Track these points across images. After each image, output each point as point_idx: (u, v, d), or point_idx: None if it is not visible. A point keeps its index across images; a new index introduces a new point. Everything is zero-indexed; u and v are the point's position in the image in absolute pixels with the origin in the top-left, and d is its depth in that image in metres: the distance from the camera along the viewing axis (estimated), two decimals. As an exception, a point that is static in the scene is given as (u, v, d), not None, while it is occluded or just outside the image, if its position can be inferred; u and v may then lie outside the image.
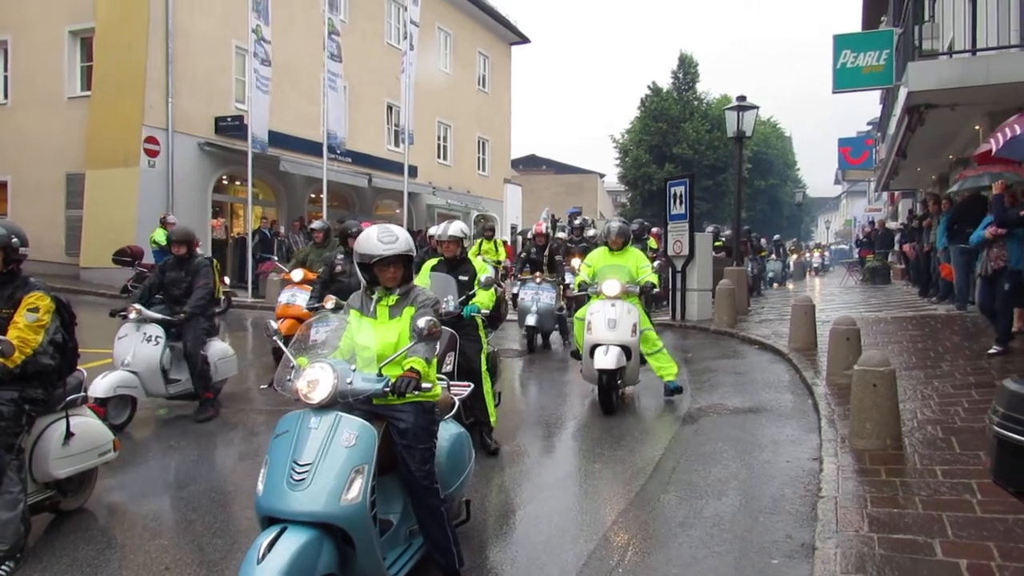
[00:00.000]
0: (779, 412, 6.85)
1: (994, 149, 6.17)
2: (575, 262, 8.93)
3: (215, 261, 7.24)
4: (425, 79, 24.09)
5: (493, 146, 30.78)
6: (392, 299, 3.62)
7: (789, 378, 8.25)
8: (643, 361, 7.21)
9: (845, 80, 12.19)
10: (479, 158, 30.15)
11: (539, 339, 10.66)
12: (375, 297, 3.64)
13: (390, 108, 23.75)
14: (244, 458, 5.84)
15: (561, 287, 11.05)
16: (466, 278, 5.73)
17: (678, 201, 13.02)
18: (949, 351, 8.26)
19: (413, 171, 22.42)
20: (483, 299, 5.62)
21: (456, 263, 5.83)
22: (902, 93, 10.64)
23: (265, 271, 15.51)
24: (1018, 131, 6.12)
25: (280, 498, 2.97)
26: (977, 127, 11.62)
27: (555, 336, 11.21)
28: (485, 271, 5.79)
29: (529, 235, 13.16)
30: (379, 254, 3.48)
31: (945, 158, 15.12)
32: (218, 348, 7.16)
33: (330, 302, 6.94)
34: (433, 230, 7.74)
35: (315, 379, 3.18)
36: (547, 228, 11.50)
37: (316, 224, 9.83)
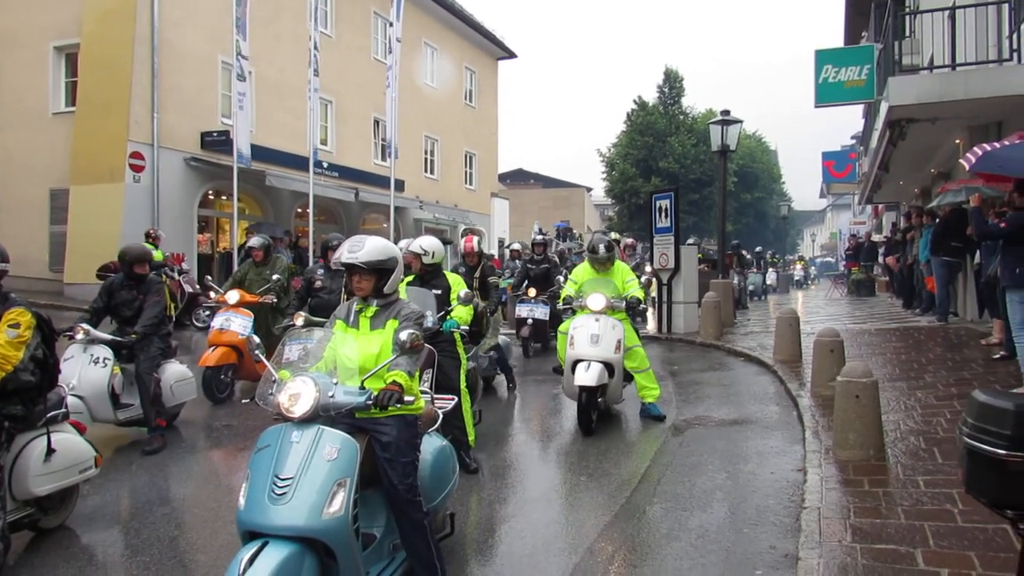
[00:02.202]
0: (764, 424, 6.87)
1: (967, 167, 6.26)
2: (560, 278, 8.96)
3: (166, 278, 7.03)
4: (412, 94, 24.19)
5: (480, 160, 30.86)
6: (371, 310, 3.62)
7: (774, 390, 8.28)
8: (628, 379, 7.16)
9: (827, 95, 12.32)
10: (466, 172, 30.21)
11: (532, 345, 11.07)
12: (355, 308, 3.65)
13: (377, 122, 23.78)
14: (226, 473, 5.80)
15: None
16: (439, 292, 5.69)
17: (664, 214, 13.09)
18: (932, 362, 8.32)
19: (400, 185, 22.44)
20: (461, 315, 5.59)
21: (430, 278, 5.78)
22: (883, 107, 10.76)
23: None
24: (988, 148, 6.21)
25: (261, 512, 2.96)
26: (958, 141, 11.77)
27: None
28: (461, 286, 5.77)
29: (512, 247, 13.16)
30: (344, 261, 3.53)
31: (927, 172, 15.29)
32: (174, 371, 6.73)
33: (299, 318, 6.75)
34: (403, 244, 7.60)
35: (296, 392, 3.17)
36: (541, 239, 11.83)
37: (254, 241, 8.84)
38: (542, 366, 10.10)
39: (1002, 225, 6.41)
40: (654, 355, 10.57)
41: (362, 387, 3.34)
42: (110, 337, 6.30)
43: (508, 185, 45.87)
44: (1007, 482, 2.42)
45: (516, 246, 13.18)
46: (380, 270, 3.58)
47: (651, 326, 13.62)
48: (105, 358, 6.16)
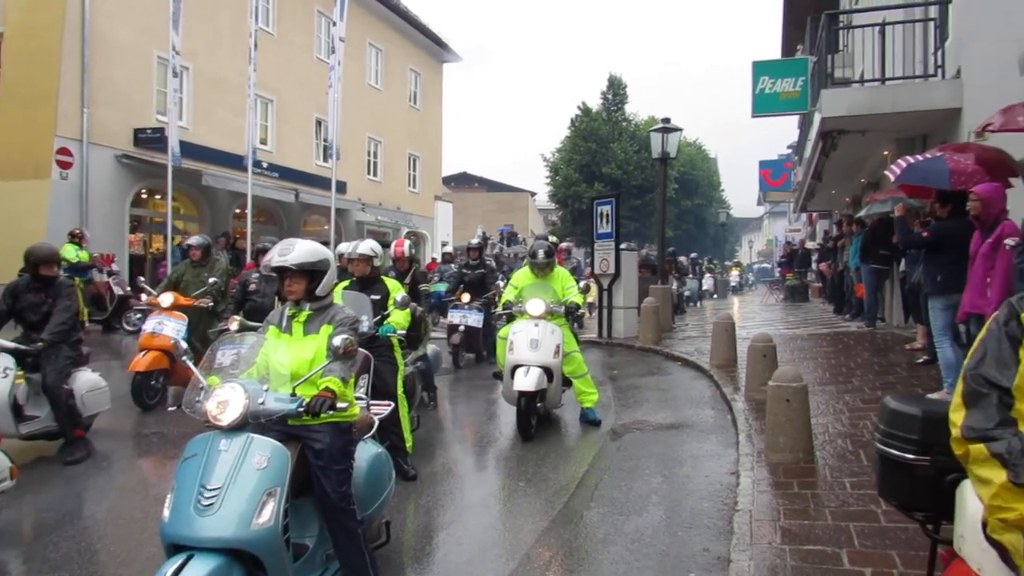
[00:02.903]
0: (700, 427, 6.99)
1: (892, 178, 6.49)
2: (500, 283, 8.92)
3: (77, 281, 6.70)
4: (355, 94, 23.93)
5: (424, 163, 30.73)
6: (304, 315, 3.57)
7: (710, 394, 8.43)
8: (567, 384, 7.19)
9: (763, 105, 12.63)
10: (410, 175, 30.04)
11: (463, 355, 10.66)
12: (288, 313, 3.58)
13: (319, 123, 23.46)
14: (155, 483, 5.63)
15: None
16: (379, 297, 5.64)
17: (605, 220, 13.23)
18: (860, 367, 8.59)
19: (342, 187, 22.17)
20: (398, 319, 5.55)
21: (368, 282, 5.75)
22: (816, 119, 11.09)
23: None
24: (911, 160, 6.45)
25: (187, 524, 2.87)
26: (886, 152, 12.20)
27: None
28: (399, 291, 5.73)
29: (445, 250, 13.05)
30: (275, 264, 3.49)
31: (857, 182, 15.82)
32: (86, 379, 6.28)
33: (234, 323, 6.57)
34: (343, 247, 7.44)
35: (225, 400, 3.10)
36: (477, 243, 11.36)
37: (193, 240, 8.56)
38: (474, 377, 9.90)
39: (924, 235, 6.66)
40: (594, 360, 10.67)
41: (294, 394, 3.28)
42: (13, 345, 5.86)
43: (452, 188, 45.70)
44: (915, 485, 2.51)
45: (450, 249, 13.06)
46: (312, 272, 3.53)
47: (592, 331, 13.73)
48: (7, 367, 5.74)
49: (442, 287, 11.89)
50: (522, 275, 7.37)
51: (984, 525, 1.92)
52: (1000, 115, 5.75)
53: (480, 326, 10.38)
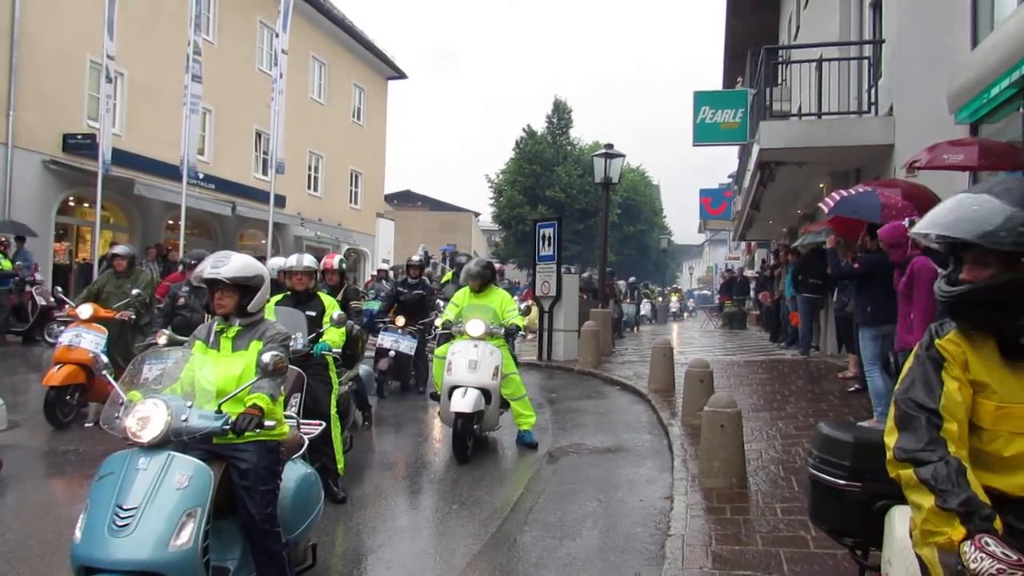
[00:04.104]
0: (637, 452, 7.05)
1: (826, 210, 6.72)
2: (440, 302, 8.67)
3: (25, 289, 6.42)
4: (297, 108, 23.67)
5: (366, 179, 30.53)
6: (233, 330, 3.49)
7: (648, 418, 8.52)
8: (505, 406, 7.17)
9: (704, 135, 12.95)
10: (351, 191, 29.79)
11: (390, 383, 9.90)
12: (216, 328, 3.50)
13: (259, 135, 23.13)
14: (68, 503, 5.39)
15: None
16: (314, 314, 5.57)
17: (547, 243, 13.33)
18: (794, 394, 8.80)
19: (281, 201, 21.86)
20: (333, 337, 5.48)
21: (304, 298, 5.68)
22: (755, 149, 11.41)
23: None
24: (844, 193, 6.69)
25: (100, 546, 2.76)
26: (821, 185, 12.61)
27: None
28: (335, 308, 5.67)
29: (380, 266, 12.62)
30: (207, 276, 3.42)
31: (794, 212, 16.28)
32: None
33: (162, 337, 6.38)
34: (277, 261, 7.28)
35: (146, 416, 3.00)
36: (418, 259, 10.63)
37: (118, 249, 8.22)
38: (405, 401, 9.54)
39: (856, 266, 6.89)
40: (533, 382, 10.68)
41: (219, 411, 3.20)
42: None
43: (395, 206, 45.45)
44: (846, 511, 2.57)
45: (383, 265, 12.64)
46: (245, 287, 3.46)
47: (531, 352, 13.76)
48: None
49: (374, 305, 11.58)
50: (463, 294, 7.37)
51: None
52: (926, 152, 6.01)
53: (412, 353, 9.74)
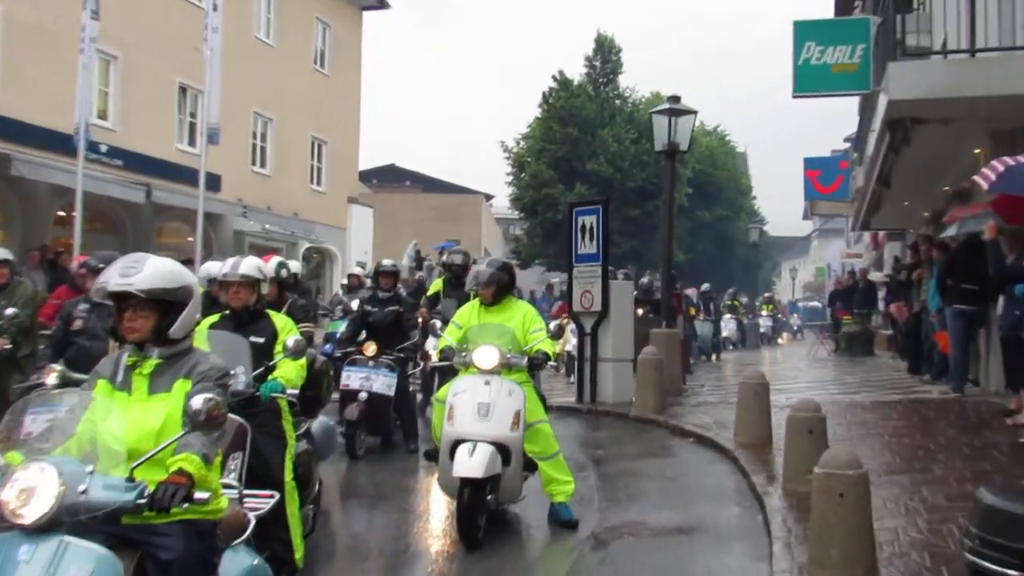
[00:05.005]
0: (719, 532, 7.01)
1: (985, 186, 6.65)
2: (439, 323, 8.45)
3: None
4: (238, 52, 23.82)
5: (334, 151, 30.72)
6: (150, 365, 3.52)
7: (734, 485, 8.47)
8: (530, 468, 7.13)
9: (808, 81, 12.86)
10: (313, 167, 30.00)
11: (364, 439, 9.90)
12: (127, 362, 3.52)
13: (183, 90, 23.38)
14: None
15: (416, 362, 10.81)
16: (262, 340, 5.59)
17: (589, 236, 13.31)
18: (943, 448, 8.71)
19: (215, 182, 22.01)
20: (289, 373, 5.48)
21: (248, 318, 5.71)
22: (882, 102, 11.31)
23: None
24: (1011, 163, 6.61)
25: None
26: (977, 151, 12.48)
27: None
28: (292, 331, 5.68)
29: (351, 271, 12.41)
30: (113, 289, 3.44)
31: (939, 190, 16.15)
32: None
33: (52, 375, 6.38)
34: (210, 267, 7.29)
35: (30, 486, 3.02)
36: (390, 266, 10.56)
37: None
38: (381, 474, 9.35)
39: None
40: (570, 434, 10.65)
41: (132, 479, 3.21)
42: None
43: (374, 187, 45.83)
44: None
45: (357, 270, 12.55)
46: (165, 304, 3.49)
47: (565, 392, 13.73)
48: None
49: (338, 326, 11.54)
50: (468, 310, 7.36)
51: None
52: None
53: (391, 393, 9.75)
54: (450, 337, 7.25)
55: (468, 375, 6.90)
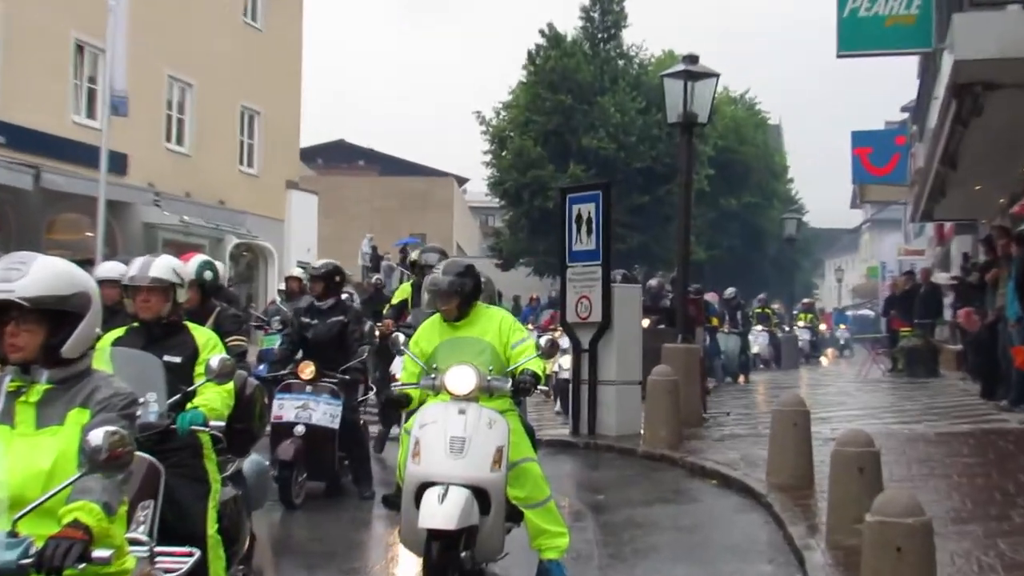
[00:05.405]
0: (748, 596, 7.04)
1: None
2: (402, 338, 8.24)
3: None
4: (148, 1, 23.80)
5: (269, 124, 30.67)
6: (37, 391, 3.50)
7: (767, 537, 8.50)
8: (514, 518, 7.13)
9: (856, 37, 12.89)
10: (244, 144, 29.95)
11: (303, 482, 9.76)
12: (8, 388, 3.51)
13: (80, 49, 23.31)
14: None
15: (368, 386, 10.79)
16: (179, 360, 5.58)
17: (586, 228, 13.30)
18: (1024, 490, 8.78)
19: (120, 163, 21.95)
20: (213, 400, 5.44)
21: (161, 332, 5.68)
22: (946, 62, 11.37)
23: None
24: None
25: None
26: (1065, 121, 12.58)
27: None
28: (217, 349, 5.66)
29: (291, 272, 12.31)
30: None
31: (1019, 171, 16.23)
32: None
33: None
34: (110, 268, 7.24)
35: None
36: (326, 268, 10.27)
37: None
38: (326, 526, 9.31)
39: None
40: (564, 475, 10.67)
41: (15, 533, 3.20)
42: None
43: (320, 168, 45.89)
44: None
45: (298, 272, 12.41)
46: (56, 315, 3.48)
47: (553, 421, 13.71)
48: None
49: (275, 341, 11.40)
50: (428, 331, 7.25)
51: None
52: None
53: (335, 425, 9.67)
54: (411, 366, 7.16)
55: (438, 402, 6.85)
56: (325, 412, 9.59)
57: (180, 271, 5.80)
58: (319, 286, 10.24)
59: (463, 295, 7.03)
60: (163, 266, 5.71)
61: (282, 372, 9.98)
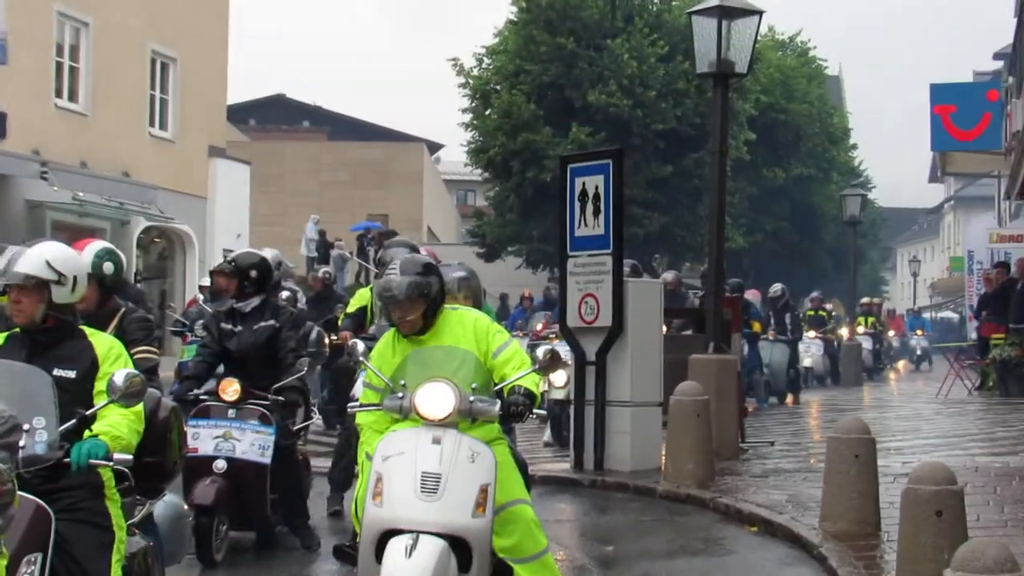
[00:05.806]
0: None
1: None
2: (361, 346, 8.09)
3: None
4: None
5: (188, 73, 30.67)
6: None
7: (819, 599, 8.57)
8: (502, 574, 7.14)
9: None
10: (155, 99, 29.95)
11: (225, 533, 9.66)
12: None
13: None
14: None
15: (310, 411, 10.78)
16: (72, 375, 5.58)
17: (591, 208, 13.33)
18: None
19: (-2, 125, 22.02)
20: (117, 427, 5.42)
21: (48, 339, 5.69)
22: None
23: None
24: None
25: None
26: None
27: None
28: (122, 361, 5.66)
29: (216, 266, 12.33)
30: None
31: None
32: None
33: None
34: None
35: None
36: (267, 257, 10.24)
37: None
38: (292, 551, 9.56)
39: None
40: (564, 521, 10.70)
41: None
42: None
43: (254, 131, 45.86)
44: None
45: (226, 266, 12.47)
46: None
47: (552, 455, 13.74)
48: None
49: (190, 353, 11.38)
50: (388, 342, 7.21)
51: None
52: None
53: (266, 460, 9.64)
54: (372, 387, 7.14)
55: (406, 428, 6.85)
56: (253, 443, 9.52)
57: (62, 263, 5.68)
58: (231, 284, 10.31)
59: (430, 299, 6.91)
60: (34, 258, 5.61)
61: (198, 392, 9.79)
